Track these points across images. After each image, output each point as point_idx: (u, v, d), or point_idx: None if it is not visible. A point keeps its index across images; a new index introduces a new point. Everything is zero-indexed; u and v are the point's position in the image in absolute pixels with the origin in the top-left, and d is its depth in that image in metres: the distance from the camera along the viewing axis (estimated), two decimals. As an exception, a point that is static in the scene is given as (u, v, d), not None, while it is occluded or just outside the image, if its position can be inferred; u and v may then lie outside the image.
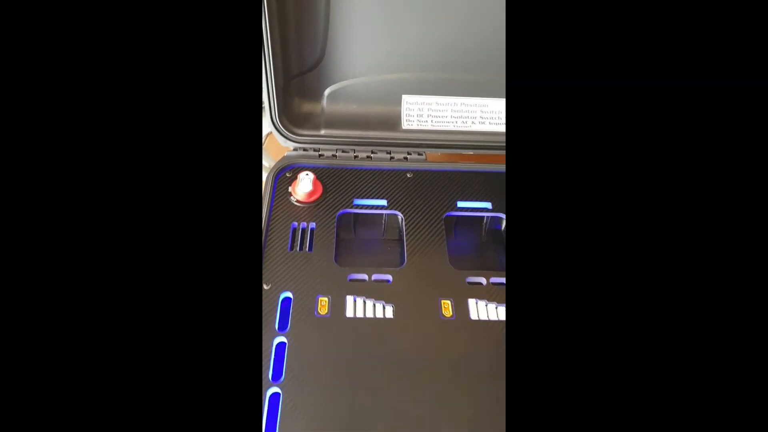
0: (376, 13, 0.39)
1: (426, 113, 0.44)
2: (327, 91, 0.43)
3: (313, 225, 0.38)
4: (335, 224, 0.38)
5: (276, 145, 0.48)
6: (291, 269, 0.35)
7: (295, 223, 0.38)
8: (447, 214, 0.39)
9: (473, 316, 0.33)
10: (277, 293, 0.34)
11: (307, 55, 0.41)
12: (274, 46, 0.38)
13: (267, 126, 0.43)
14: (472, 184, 0.41)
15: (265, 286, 0.34)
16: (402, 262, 0.36)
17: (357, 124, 0.43)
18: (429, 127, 0.44)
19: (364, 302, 0.33)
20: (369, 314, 0.33)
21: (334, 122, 0.44)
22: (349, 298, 0.33)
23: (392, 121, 0.44)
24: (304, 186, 0.39)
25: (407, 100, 0.43)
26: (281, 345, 0.31)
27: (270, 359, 0.31)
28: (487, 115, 0.44)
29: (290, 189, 0.40)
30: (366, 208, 0.39)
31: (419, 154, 0.43)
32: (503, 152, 0.43)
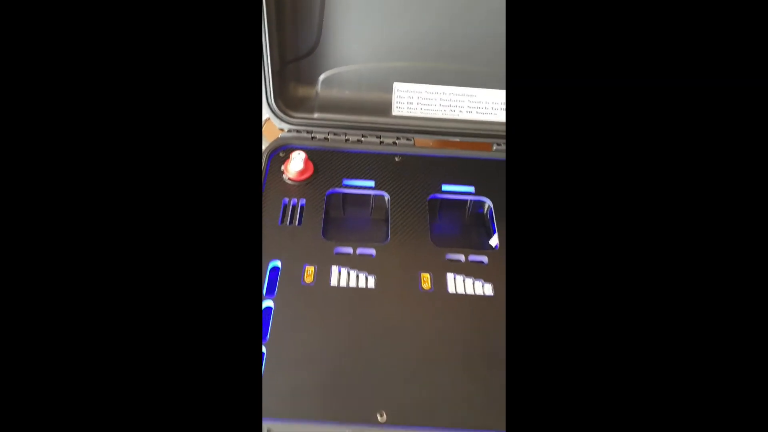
0: (371, 2, 0.41)
1: (416, 101, 0.46)
2: (322, 77, 0.45)
3: (303, 202, 0.40)
4: (324, 202, 0.40)
5: (270, 130, 0.50)
6: (280, 241, 0.37)
7: (286, 200, 0.40)
8: (431, 196, 0.41)
9: (451, 289, 0.35)
10: (265, 262, 0.35)
11: (302, 41, 0.43)
12: (270, 31, 0.39)
13: (265, 110, 0.44)
14: (457, 169, 0.43)
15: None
16: (386, 238, 0.38)
17: (349, 108, 0.45)
18: (418, 114, 0.46)
19: (348, 273, 0.35)
20: (352, 284, 0.35)
21: (327, 106, 0.46)
22: (334, 269, 0.35)
23: (383, 107, 0.46)
24: (295, 164, 0.41)
25: (398, 87, 0.45)
26: (268, 309, 0.33)
27: (256, 322, 0.32)
28: (474, 104, 0.46)
29: (283, 167, 0.41)
30: (354, 189, 0.41)
31: (408, 139, 0.45)
32: (488, 140, 0.45)
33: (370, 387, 0.30)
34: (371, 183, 0.42)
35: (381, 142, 0.45)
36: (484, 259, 0.37)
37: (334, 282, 0.35)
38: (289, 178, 0.41)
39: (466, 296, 0.34)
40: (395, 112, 0.46)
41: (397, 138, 0.45)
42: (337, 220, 0.42)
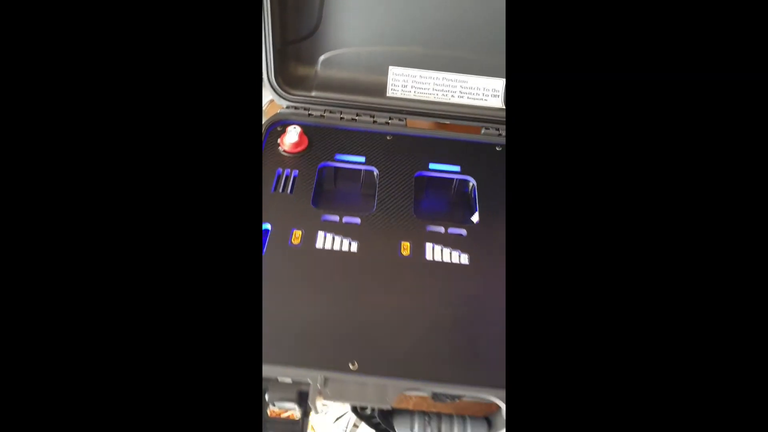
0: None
1: (410, 84, 0.48)
2: (322, 58, 0.47)
3: (296, 173, 0.42)
4: (316, 174, 0.42)
5: (272, 110, 0.52)
6: (272, 206, 0.39)
7: (280, 170, 0.42)
8: (418, 173, 0.43)
9: (428, 257, 0.36)
10: (256, 225, 0.38)
11: (304, 23, 0.45)
12: (272, 12, 0.42)
13: (265, 87, 0.47)
14: (445, 150, 0.45)
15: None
16: (372, 210, 0.40)
17: (346, 88, 0.47)
18: (411, 97, 0.48)
19: (333, 238, 0.37)
20: (336, 248, 0.37)
21: (325, 86, 0.48)
22: (320, 234, 0.37)
23: (378, 89, 0.48)
24: (290, 137, 0.43)
25: (394, 71, 0.47)
26: (255, 267, 0.35)
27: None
28: (465, 90, 0.47)
29: (279, 140, 0.44)
30: (346, 163, 0.43)
31: (400, 119, 0.47)
32: (477, 124, 0.47)
33: (346, 339, 0.32)
34: (362, 159, 0.44)
35: (374, 122, 0.47)
36: (463, 232, 0.38)
37: (319, 245, 0.37)
38: (284, 150, 0.43)
39: (442, 263, 0.36)
40: (389, 93, 0.48)
41: (390, 118, 0.47)
42: (328, 192, 0.44)
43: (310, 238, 0.37)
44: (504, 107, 0.48)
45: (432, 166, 0.43)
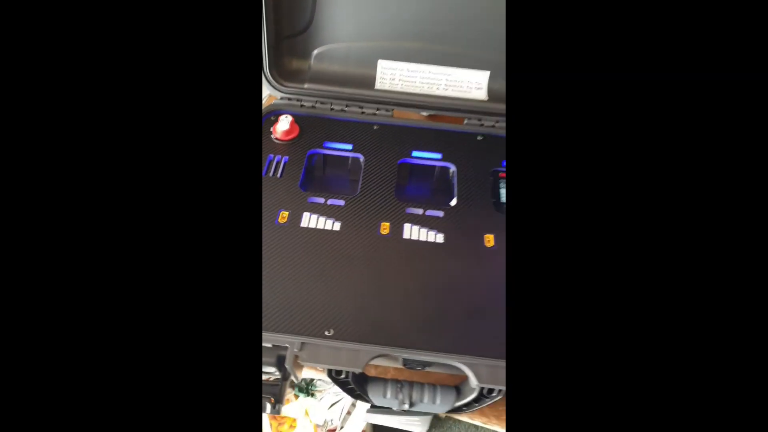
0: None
1: (398, 77, 0.50)
2: (315, 52, 0.50)
3: (286, 159, 0.44)
4: (305, 160, 0.45)
5: (268, 102, 0.55)
6: (261, 188, 0.41)
7: (272, 156, 0.45)
8: (401, 160, 0.45)
9: (406, 236, 0.39)
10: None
11: (297, 19, 0.48)
12: (267, 8, 0.45)
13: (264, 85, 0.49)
14: (428, 139, 0.47)
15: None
16: (356, 193, 0.42)
17: (337, 81, 0.50)
18: (399, 89, 0.50)
19: (318, 218, 0.40)
20: (320, 227, 0.39)
21: (317, 78, 0.50)
22: (306, 214, 0.40)
23: (368, 81, 0.50)
24: (282, 125, 0.45)
25: (382, 64, 0.50)
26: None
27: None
28: (450, 82, 0.49)
29: (272, 129, 0.46)
30: (333, 150, 0.46)
31: (387, 110, 0.49)
32: (460, 115, 0.49)
33: (323, 309, 0.34)
34: (349, 146, 0.46)
35: (362, 112, 0.49)
36: (440, 213, 0.41)
37: (304, 224, 0.39)
38: (276, 138, 0.46)
39: (419, 242, 0.38)
40: (378, 86, 0.50)
41: (377, 109, 0.49)
42: (318, 178, 0.47)
43: (296, 218, 0.40)
44: (487, 99, 0.50)
45: (415, 153, 0.46)
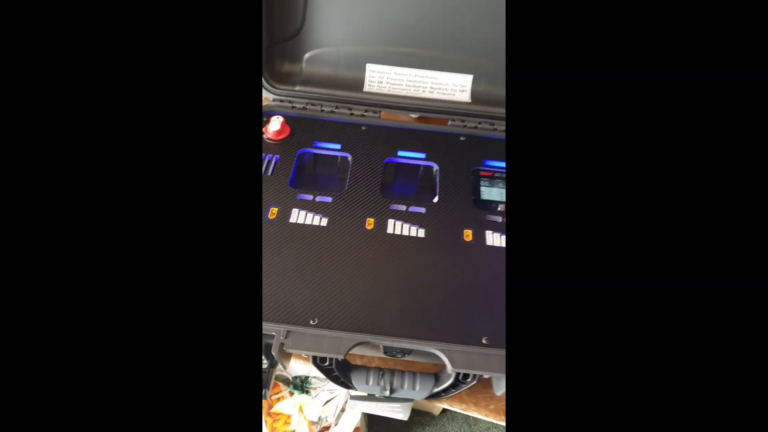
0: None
1: (385, 80, 0.52)
2: (306, 56, 0.52)
3: (277, 157, 0.46)
4: (295, 158, 0.46)
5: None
6: (253, 187, 0.43)
7: (263, 155, 0.46)
8: (387, 159, 0.47)
9: (389, 231, 0.40)
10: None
11: (289, 25, 0.50)
12: (261, 14, 0.47)
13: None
14: (414, 139, 0.49)
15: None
16: (343, 190, 0.44)
17: (327, 84, 0.52)
18: (386, 92, 0.52)
19: (306, 214, 0.42)
20: (308, 222, 0.41)
21: (308, 81, 0.52)
22: (295, 210, 0.42)
23: (357, 84, 0.52)
24: (273, 126, 0.47)
25: (371, 68, 0.52)
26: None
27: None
28: (436, 85, 0.51)
29: (264, 129, 0.48)
30: (323, 150, 0.48)
31: (375, 112, 0.51)
32: (445, 116, 0.51)
33: (308, 300, 0.36)
34: (338, 146, 0.48)
35: (351, 114, 0.51)
36: (423, 210, 0.42)
37: (293, 220, 0.41)
38: (268, 138, 0.48)
39: (401, 236, 0.40)
40: (366, 88, 0.52)
41: (366, 111, 0.51)
42: (308, 176, 0.49)
43: (285, 214, 0.41)
44: (470, 101, 0.52)
45: (400, 153, 0.47)
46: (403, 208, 0.43)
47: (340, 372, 0.36)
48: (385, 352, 0.37)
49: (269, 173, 0.45)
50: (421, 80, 0.52)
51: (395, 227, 0.41)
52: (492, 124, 0.51)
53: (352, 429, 0.74)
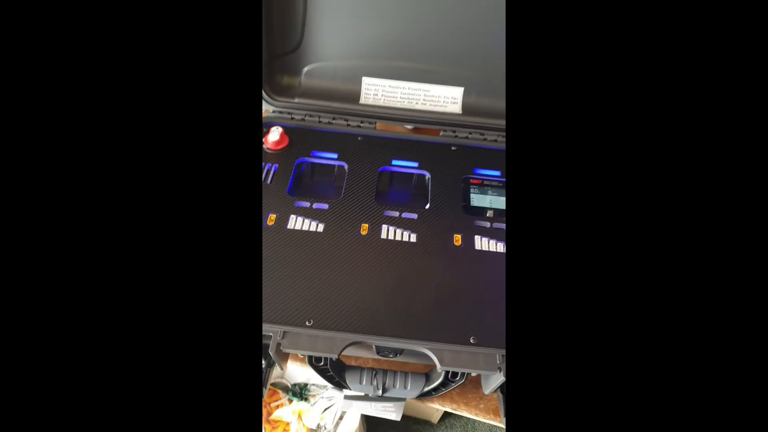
0: (346, 10, 0.50)
1: (380, 93, 0.54)
2: (305, 69, 0.54)
3: (276, 166, 0.48)
4: (294, 167, 0.48)
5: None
6: (253, 195, 0.45)
7: (263, 164, 0.48)
8: (382, 168, 0.49)
9: (383, 236, 0.42)
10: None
11: (288, 40, 0.53)
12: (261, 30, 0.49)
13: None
14: (407, 149, 0.51)
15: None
16: (339, 198, 0.46)
17: (325, 96, 0.54)
18: (381, 104, 0.54)
19: (303, 220, 0.43)
20: (305, 228, 0.43)
21: (306, 93, 0.55)
22: (293, 217, 0.43)
23: (353, 97, 0.54)
24: (273, 136, 0.49)
25: (366, 81, 0.54)
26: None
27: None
28: (428, 98, 0.54)
29: (264, 139, 0.50)
30: (320, 159, 0.50)
31: (370, 123, 0.53)
32: (437, 127, 0.53)
33: (304, 302, 0.37)
34: (335, 155, 0.50)
35: (348, 125, 0.53)
36: (415, 216, 0.44)
37: (290, 226, 0.43)
38: (267, 148, 0.50)
39: (394, 241, 0.42)
40: (362, 100, 0.54)
41: (362, 122, 0.53)
42: (306, 184, 0.51)
43: (283, 220, 0.43)
44: (461, 112, 0.54)
45: (394, 162, 0.49)
46: (396, 214, 0.44)
47: (335, 372, 0.38)
48: (377, 352, 0.38)
49: (269, 181, 0.47)
50: (415, 93, 0.54)
51: (389, 233, 0.43)
52: (482, 134, 0.53)
53: (350, 434, 0.75)
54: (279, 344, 0.35)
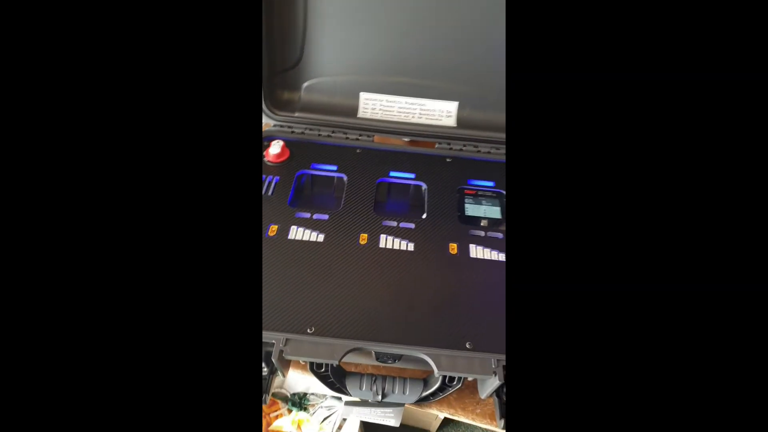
0: (344, 29, 0.52)
1: (378, 107, 0.56)
2: (305, 85, 0.56)
3: (277, 179, 0.50)
4: (294, 179, 0.50)
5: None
6: (255, 206, 0.47)
7: (264, 176, 0.50)
8: (380, 180, 0.51)
9: (381, 245, 0.44)
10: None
11: (289, 56, 0.55)
12: (262, 47, 0.51)
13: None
14: (404, 161, 0.53)
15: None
16: (339, 208, 0.47)
17: (324, 110, 0.56)
18: (379, 117, 0.56)
19: (304, 231, 0.45)
20: (306, 238, 0.44)
21: (306, 108, 0.56)
22: (293, 227, 0.45)
23: (351, 111, 0.56)
24: (274, 149, 0.51)
25: (364, 96, 0.56)
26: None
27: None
28: (424, 112, 0.56)
29: (265, 153, 0.52)
30: (320, 171, 0.51)
31: (368, 136, 0.55)
32: (432, 140, 0.55)
33: (306, 310, 0.39)
34: (334, 168, 0.52)
35: (347, 138, 0.55)
36: (412, 225, 0.46)
37: (291, 236, 0.44)
38: (269, 161, 0.51)
39: (392, 250, 0.43)
40: (360, 114, 0.56)
41: (360, 135, 0.55)
42: (306, 196, 0.52)
43: (284, 231, 0.45)
44: (456, 125, 0.56)
45: (392, 173, 0.51)
46: (394, 224, 0.46)
47: (335, 378, 0.39)
48: (377, 359, 0.39)
49: (270, 193, 0.48)
50: (411, 107, 0.56)
51: (387, 242, 0.44)
52: (476, 147, 0.55)
53: (350, 443, 0.75)
54: (281, 351, 0.37)
